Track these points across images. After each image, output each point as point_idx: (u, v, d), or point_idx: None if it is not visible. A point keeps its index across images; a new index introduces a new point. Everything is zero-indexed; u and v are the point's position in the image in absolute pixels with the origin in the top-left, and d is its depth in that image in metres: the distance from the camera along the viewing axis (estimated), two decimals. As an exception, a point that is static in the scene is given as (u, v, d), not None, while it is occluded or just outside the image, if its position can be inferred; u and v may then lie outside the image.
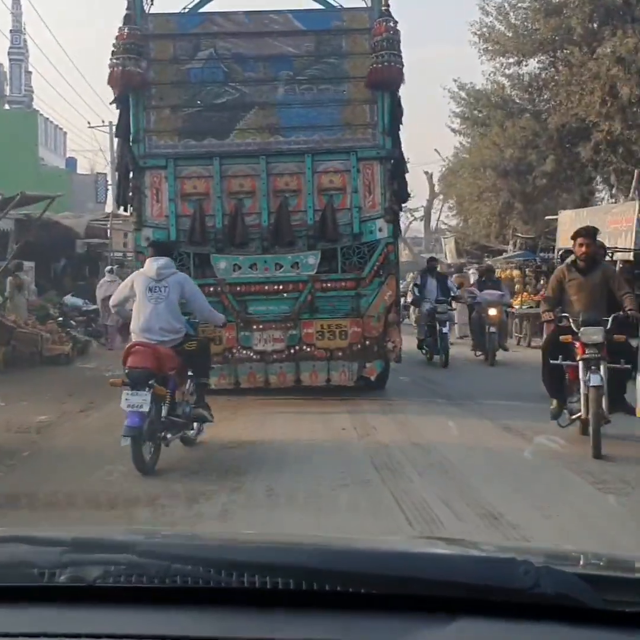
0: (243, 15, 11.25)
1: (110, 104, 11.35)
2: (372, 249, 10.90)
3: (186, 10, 11.54)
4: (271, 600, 1.52)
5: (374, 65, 10.67)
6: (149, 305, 7.67)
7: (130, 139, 10.98)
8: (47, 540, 1.77)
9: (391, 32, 10.69)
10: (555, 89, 24.76)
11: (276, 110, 11.06)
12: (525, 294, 20.46)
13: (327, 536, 4.43)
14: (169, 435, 7.43)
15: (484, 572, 1.56)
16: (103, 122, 39.21)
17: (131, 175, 11.04)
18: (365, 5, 11.21)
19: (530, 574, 1.50)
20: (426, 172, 49.83)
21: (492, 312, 15.43)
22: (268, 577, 1.52)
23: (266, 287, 10.83)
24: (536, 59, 25.87)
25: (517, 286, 21.74)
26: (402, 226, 54.78)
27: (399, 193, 11.28)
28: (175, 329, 7.74)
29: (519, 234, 26.28)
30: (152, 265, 7.87)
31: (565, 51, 24.48)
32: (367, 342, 10.84)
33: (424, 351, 15.67)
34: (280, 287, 10.84)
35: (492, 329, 15.20)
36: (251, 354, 10.79)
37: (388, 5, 10.78)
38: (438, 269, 17.01)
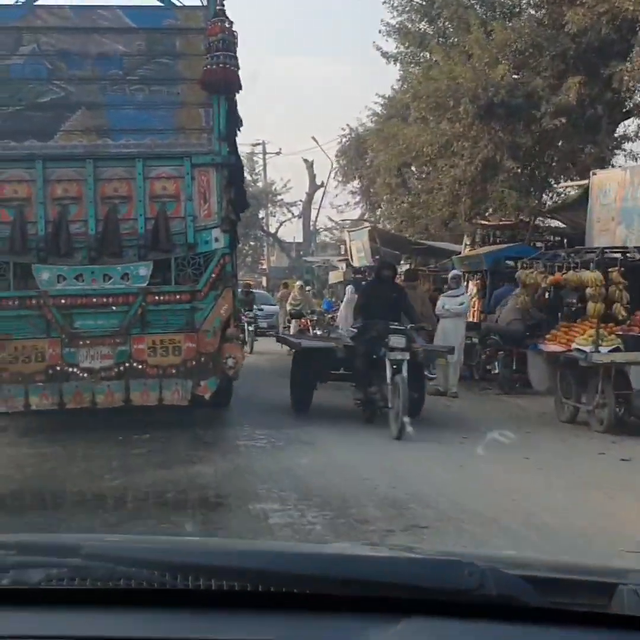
0: (69, 10, 10.51)
1: None
2: (208, 260, 10.32)
3: (20, 2, 10.71)
4: (217, 602, 1.51)
5: (208, 67, 10.10)
6: None
7: (-56, 139, 10.11)
8: None
9: (226, 32, 10.15)
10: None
11: (105, 112, 10.35)
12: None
13: (273, 542, 4.55)
14: None
15: (429, 574, 1.59)
16: None
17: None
18: (200, 4, 10.68)
19: (475, 576, 1.52)
20: (306, 160, 42.79)
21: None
22: (214, 579, 1.52)
23: (94, 300, 10.07)
24: None
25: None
26: (275, 225, 49.76)
27: (237, 202, 10.78)
28: None
29: (482, 221, 17.79)
30: None
31: None
32: (202, 359, 10.22)
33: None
34: (109, 299, 10.10)
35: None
36: (77, 372, 10.04)
37: (223, 5, 10.27)
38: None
